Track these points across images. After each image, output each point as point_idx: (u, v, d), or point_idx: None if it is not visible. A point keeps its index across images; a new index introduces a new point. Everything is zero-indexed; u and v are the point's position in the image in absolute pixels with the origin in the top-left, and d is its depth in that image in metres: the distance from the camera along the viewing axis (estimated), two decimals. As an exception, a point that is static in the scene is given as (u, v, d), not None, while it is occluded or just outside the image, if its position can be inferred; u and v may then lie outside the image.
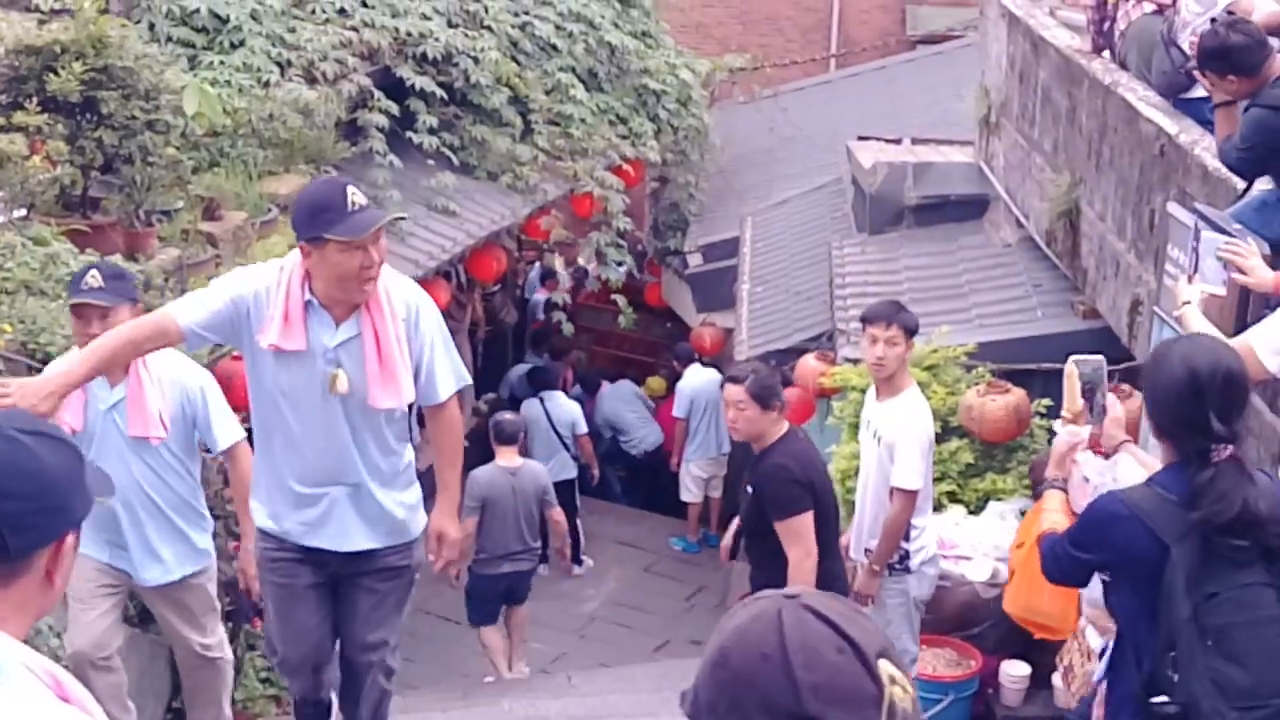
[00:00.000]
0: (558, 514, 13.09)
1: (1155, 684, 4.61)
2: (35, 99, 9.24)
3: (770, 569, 7.50)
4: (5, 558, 2.80)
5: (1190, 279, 6.54)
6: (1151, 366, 4.82)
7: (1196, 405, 4.55)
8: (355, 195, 5.84)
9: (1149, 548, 4.58)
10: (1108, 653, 5.88)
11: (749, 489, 7.71)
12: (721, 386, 7.91)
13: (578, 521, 16.89)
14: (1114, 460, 5.35)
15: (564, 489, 16.49)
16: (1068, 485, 5.34)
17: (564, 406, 16.98)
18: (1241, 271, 6.32)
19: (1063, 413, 5.49)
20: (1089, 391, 5.32)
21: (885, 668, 2.24)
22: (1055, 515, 5.21)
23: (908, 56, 24.84)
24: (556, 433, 16.58)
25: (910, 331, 7.94)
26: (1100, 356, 5.41)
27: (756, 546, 7.85)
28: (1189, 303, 6.32)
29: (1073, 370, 5.42)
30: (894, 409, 8.04)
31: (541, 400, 16.81)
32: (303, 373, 6.05)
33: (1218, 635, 4.57)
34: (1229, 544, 4.52)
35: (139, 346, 6.16)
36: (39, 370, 8.05)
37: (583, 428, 17.06)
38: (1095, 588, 5.11)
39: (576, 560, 16.72)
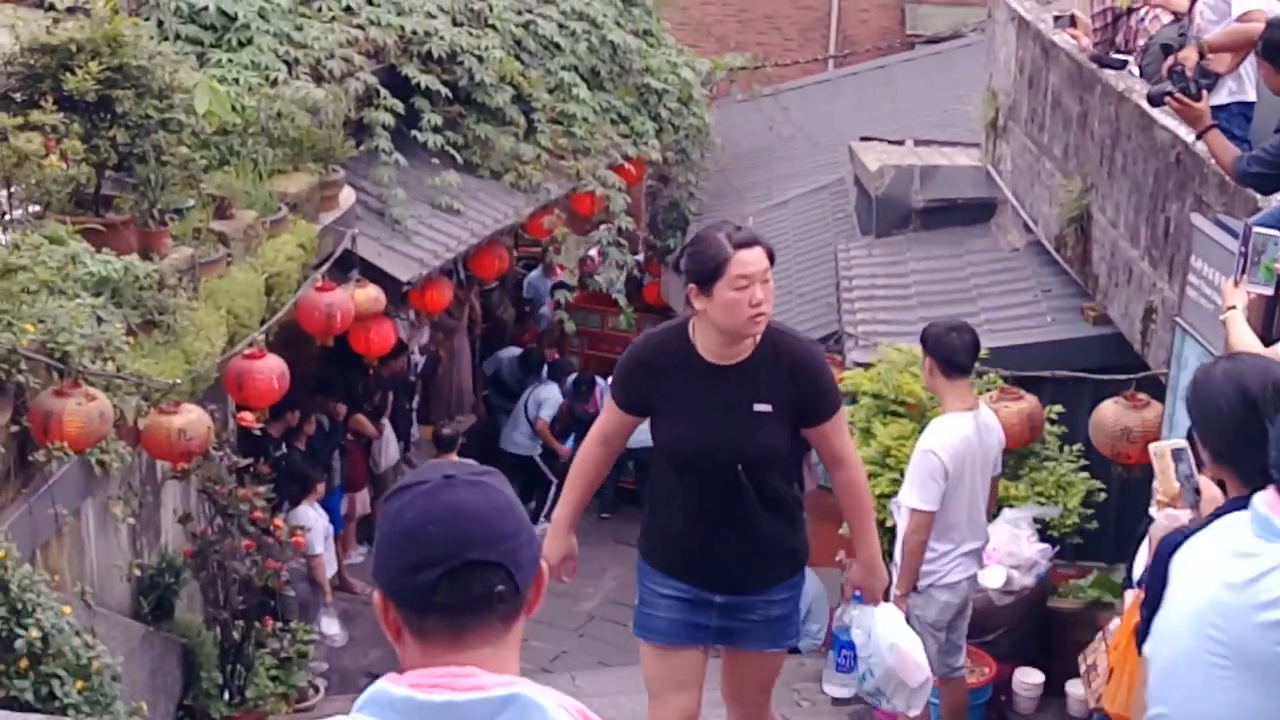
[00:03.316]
0: None
1: None
2: (50, 97, 9.20)
3: None
4: (516, 596, 2.81)
5: (1237, 282, 6.50)
6: (1196, 390, 4.65)
7: (1251, 420, 4.39)
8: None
9: None
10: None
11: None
12: None
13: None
14: None
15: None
16: None
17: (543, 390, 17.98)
18: None
19: (1158, 496, 5.33)
20: (1182, 474, 5.18)
21: None
22: None
23: (906, 56, 24.85)
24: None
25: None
26: (1183, 441, 5.27)
27: None
28: (1234, 308, 6.27)
29: (1163, 451, 5.27)
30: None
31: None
32: None
33: None
34: None
35: None
36: (60, 369, 8.05)
37: (546, 412, 17.73)
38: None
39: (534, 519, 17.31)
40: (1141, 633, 4.77)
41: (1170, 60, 8.34)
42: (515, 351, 18.99)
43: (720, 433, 5.95)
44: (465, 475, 2.84)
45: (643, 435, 18.45)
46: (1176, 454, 5.24)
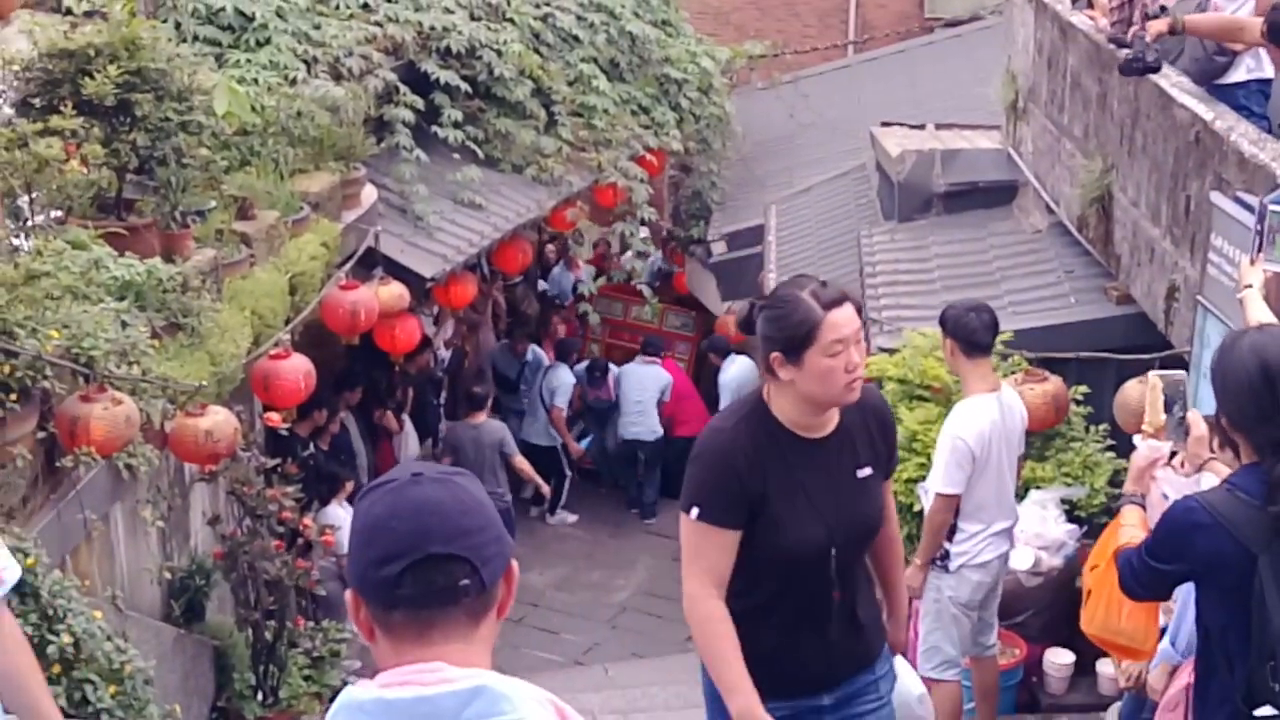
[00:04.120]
0: (519, 461, 15.61)
1: (1254, 694, 4.47)
2: (69, 102, 9.22)
3: None
4: (481, 591, 2.82)
5: (1254, 260, 6.48)
6: (1221, 357, 4.66)
7: (1268, 394, 4.44)
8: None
9: (1235, 557, 4.42)
10: (1173, 634, 5.81)
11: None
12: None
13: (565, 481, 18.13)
14: (1196, 479, 5.24)
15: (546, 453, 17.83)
16: (1146, 501, 5.18)
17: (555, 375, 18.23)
18: None
19: (1144, 426, 5.35)
20: (1171, 407, 5.23)
21: None
22: (1133, 531, 4.97)
23: (926, 40, 24.79)
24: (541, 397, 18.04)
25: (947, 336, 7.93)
26: (1183, 372, 5.31)
27: None
28: (1250, 286, 6.25)
29: (1156, 383, 5.31)
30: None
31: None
32: None
33: None
34: None
35: None
36: (85, 374, 8.07)
37: (560, 399, 17.93)
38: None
39: (551, 510, 17.87)
40: (1137, 581, 4.80)
41: (1138, 25, 8.34)
42: (502, 342, 19.04)
43: (841, 513, 5.22)
44: (433, 473, 2.88)
45: (637, 427, 18.73)
46: (1171, 388, 5.29)
